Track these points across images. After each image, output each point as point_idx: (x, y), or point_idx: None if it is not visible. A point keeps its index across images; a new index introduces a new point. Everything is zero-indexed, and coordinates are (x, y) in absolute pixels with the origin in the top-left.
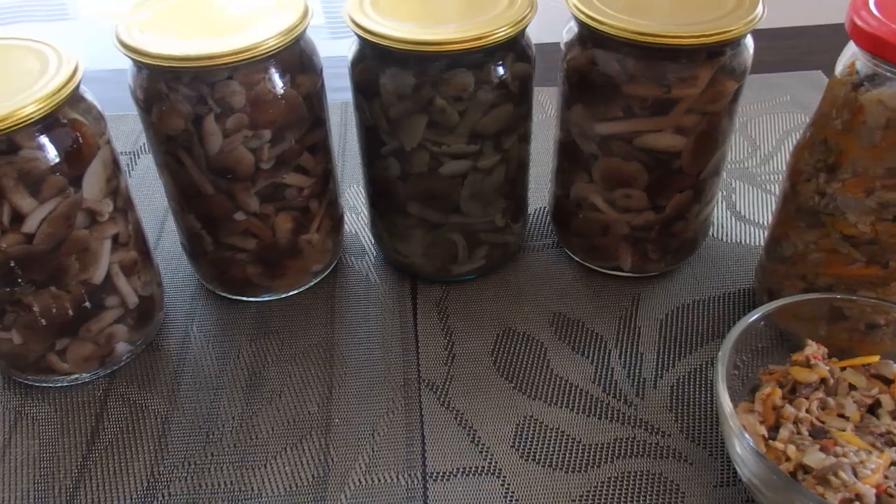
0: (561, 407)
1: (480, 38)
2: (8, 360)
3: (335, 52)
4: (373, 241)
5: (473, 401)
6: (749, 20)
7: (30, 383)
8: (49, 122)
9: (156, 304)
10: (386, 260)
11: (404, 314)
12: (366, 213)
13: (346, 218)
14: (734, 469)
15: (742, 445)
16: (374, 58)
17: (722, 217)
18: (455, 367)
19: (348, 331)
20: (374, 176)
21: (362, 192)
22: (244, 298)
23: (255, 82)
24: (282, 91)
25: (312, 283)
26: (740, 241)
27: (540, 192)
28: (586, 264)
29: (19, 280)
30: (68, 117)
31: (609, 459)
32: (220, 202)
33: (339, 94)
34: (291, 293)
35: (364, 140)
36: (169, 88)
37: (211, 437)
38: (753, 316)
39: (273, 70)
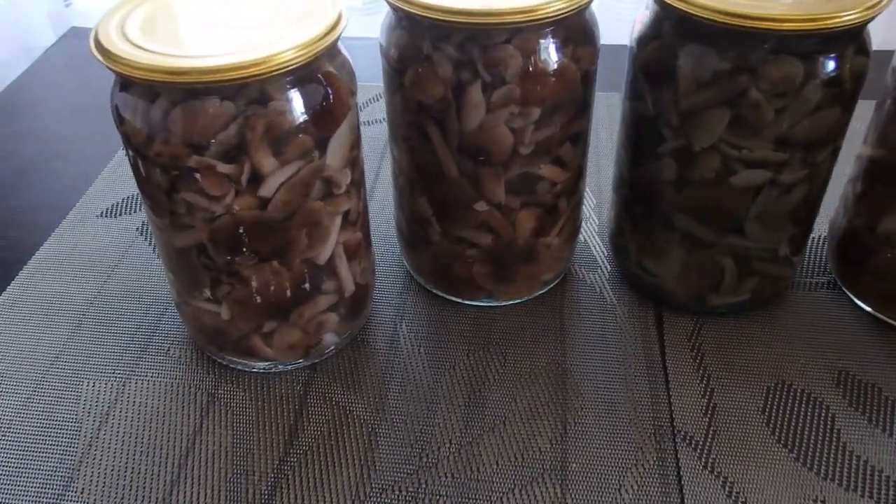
0: (863, 496)
1: (824, 19)
2: (208, 336)
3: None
4: (608, 252)
5: (745, 468)
6: None
7: (224, 363)
8: (304, 73)
9: (369, 295)
10: (625, 277)
11: (648, 345)
12: (596, 218)
13: None
14: None
15: None
16: (673, 34)
17: None
18: (717, 420)
19: (582, 355)
20: (637, 178)
21: (591, 195)
22: (461, 301)
23: (532, 50)
24: (558, 65)
25: (539, 294)
26: None
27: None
28: (879, 315)
29: (244, 249)
30: (323, 70)
31: None
32: (463, 188)
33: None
34: (515, 302)
35: (632, 133)
36: (434, 48)
37: (424, 460)
38: None
39: (553, 38)
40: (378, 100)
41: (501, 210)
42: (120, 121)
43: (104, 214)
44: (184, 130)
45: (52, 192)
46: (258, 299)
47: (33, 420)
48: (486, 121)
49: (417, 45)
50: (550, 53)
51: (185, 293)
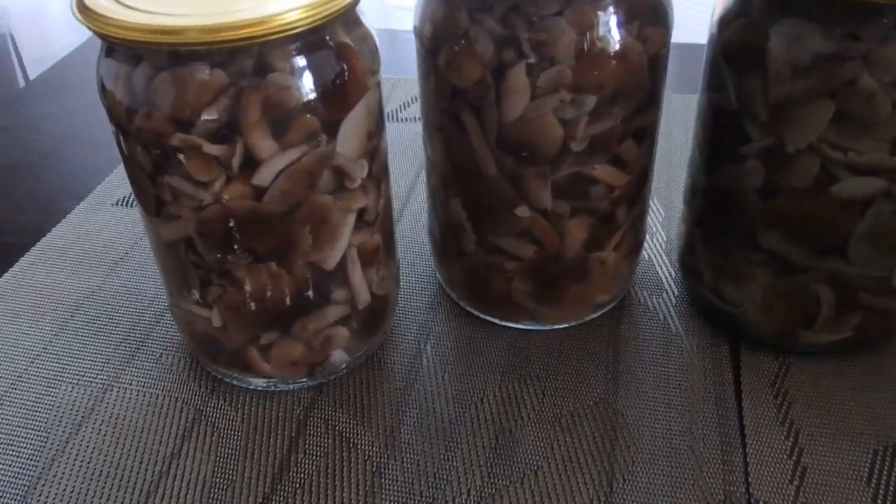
0: None
1: None
2: (200, 345)
3: None
4: (676, 274)
5: None
6: None
7: (219, 377)
8: (314, 41)
9: (388, 308)
10: (696, 304)
11: (721, 388)
12: (664, 234)
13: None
14: None
15: None
16: (763, 9)
17: None
18: (807, 490)
19: (638, 396)
20: (714, 185)
21: (659, 206)
22: (498, 322)
23: (588, 25)
24: (620, 44)
25: (591, 318)
26: None
27: None
28: None
29: (235, 246)
30: (337, 40)
31: None
32: (502, 189)
33: None
34: (561, 326)
35: (710, 131)
36: (472, 21)
37: None
38: None
39: (615, 12)
40: None
41: (547, 217)
42: (102, 90)
43: (120, 203)
44: (167, 102)
45: (73, 177)
46: (252, 306)
47: (0, 424)
48: (530, 109)
49: (454, 18)
50: (611, 30)
51: (176, 294)
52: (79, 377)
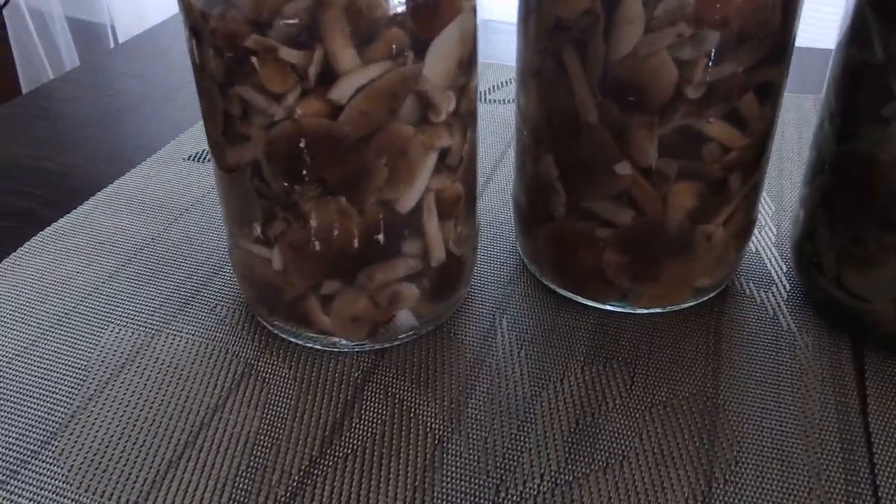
0: None
1: None
2: (258, 291)
3: None
4: (789, 268)
5: None
6: None
7: (275, 331)
8: None
9: (464, 273)
10: (812, 297)
11: (842, 392)
12: (774, 228)
13: None
14: None
15: None
16: None
17: None
18: None
19: (743, 391)
20: (847, 157)
21: (769, 200)
22: (584, 300)
23: None
24: None
25: (689, 305)
26: None
27: None
28: None
29: (304, 173)
30: None
31: None
32: (602, 140)
33: None
34: (656, 311)
35: (847, 93)
36: None
37: (503, 496)
38: None
39: None
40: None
41: (650, 177)
42: None
43: (192, 158)
44: None
45: (147, 133)
46: (317, 246)
47: (40, 359)
48: (643, 44)
49: None
50: None
51: (237, 231)
52: (128, 320)
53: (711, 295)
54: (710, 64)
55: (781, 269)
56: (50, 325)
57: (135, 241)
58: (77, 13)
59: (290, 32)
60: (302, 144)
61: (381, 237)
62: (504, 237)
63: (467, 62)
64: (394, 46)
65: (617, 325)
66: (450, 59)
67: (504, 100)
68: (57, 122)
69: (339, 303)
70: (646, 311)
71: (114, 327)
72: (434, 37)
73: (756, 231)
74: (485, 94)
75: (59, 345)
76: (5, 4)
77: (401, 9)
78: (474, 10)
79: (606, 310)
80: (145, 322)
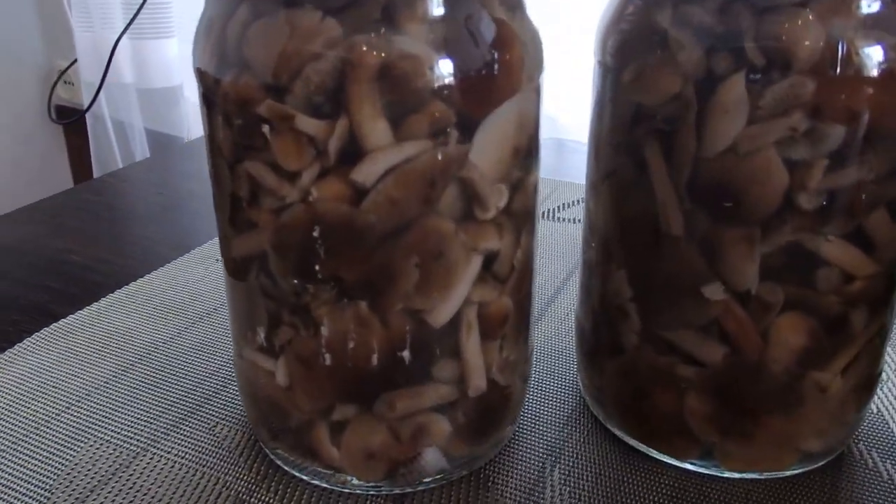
0: None
1: None
2: (261, 412)
3: None
4: None
5: None
6: None
7: (276, 461)
8: (463, 4)
9: (509, 409)
10: None
11: None
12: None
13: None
14: None
15: None
16: None
17: None
18: None
19: None
20: None
21: (892, 353)
22: (658, 455)
23: (846, 24)
24: (886, 59)
25: (793, 473)
26: None
27: None
28: None
29: (316, 269)
30: (495, 16)
31: None
32: (688, 256)
33: None
34: (749, 476)
35: None
36: (676, 18)
37: None
38: None
39: (884, 9)
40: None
41: (748, 306)
42: (196, 55)
43: None
44: (259, 56)
45: (188, 232)
46: (328, 359)
47: (5, 473)
48: (744, 139)
49: (650, 18)
50: (878, 36)
51: (240, 337)
52: (112, 434)
53: (822, 462)
54: (831, 167)
55: None
56: (23, 434)
57: (143, 345)
58: (157, 126)
59: (312, 96)
60: (316, 234)
61: (406, 355)
62: (564, 370)
63: (525, 152)
64: (435, 123)
65: (698, 491)
66: (504, 144)
67: (574, 219)
68: (98, 215)
69: (353, 433)
70: (737, 475)
71: (93, 443)
72: (486, 115)
73: (879, 387)
74: (554, 211)
75: (25, 460)
76: (88, 109)
77: (448, 80)
78: (538, 91)
79: (686, 469)
80: (131, 439)
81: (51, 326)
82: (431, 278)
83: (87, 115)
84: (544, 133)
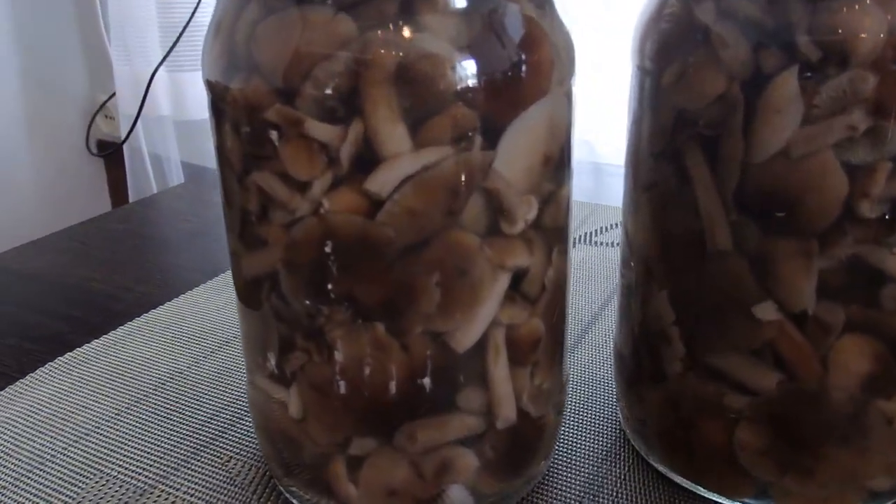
0: None
1: None
2: (274, 446)
3: None
4: None
5: None
6: None
7: (290, 498)
8: (488, 3)
9: (542, 442)
10: None
11: None
12: None
13: None
14: None
15: None
16: None
17: None
18: None
19: None
20: None
21: None
22: (707, 494)
23: None
24: None
25: None
26: None
27: None
28: None
29: (329, 288)
30: (525, 13)
31: None
32: (737, 272)
33: None
34: None
35: None
36: (720, 13)
37: None
38: None
39: None
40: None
41: (805, 327)
42: (205, 65)
43: None
44: (268, 57)
45: (213, 259)
46: (342, 386)
47: None
48: (798, 141)
49: (691, 14)
50: None
51: (252, 363)
52: (120, 470)
53: (892, 501)
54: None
55: None
56: (26, 470)
57: (159, 375)
58: (193, 158)
59: (324, 99)
60: (328, 249)
61: (427, 382)
62: (603, 400)
63: (557, 161)
64: (457, 127)
65: None
66: (532, 151)
67: (613, 242)
68: (123, 243)
69: (371, 468)
70: None
71: (98, 479)
72: (511, 120)
73: None
74: (591, 234)
75: (25, 498)
76: (124, 141)
77: (471, 81)
78: (569, 95)
79: None
80: (139, 475)
81: (65, 356)
82: (454, 298)
83: (125, 147)
84: (581, 156)
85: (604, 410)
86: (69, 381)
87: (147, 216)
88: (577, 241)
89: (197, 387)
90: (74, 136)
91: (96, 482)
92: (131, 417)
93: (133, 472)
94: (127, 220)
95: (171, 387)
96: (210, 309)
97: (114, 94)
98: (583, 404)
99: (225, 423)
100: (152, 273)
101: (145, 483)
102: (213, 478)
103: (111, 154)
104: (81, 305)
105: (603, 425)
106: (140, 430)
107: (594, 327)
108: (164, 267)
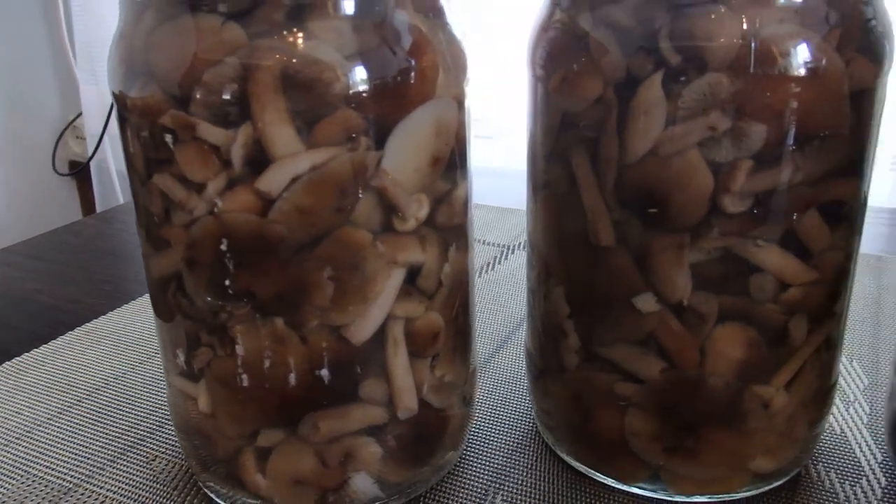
0: None
1: None
2: (191, 443)
3: None
4: (885, 457)
5: None
6: None
7: (208, 493)
8: (372, 6)
9: (447, 432)
10: None
11: None
12: (867, 406)
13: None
14: None
15: None
16: None
17: None
18: None
19: None
20: None
21: (860, 371)
22: (604, 479)
23: (762, 19)
24: (810, 55)
25: (746, 495)
26: None
27: None
28: None
29: (227, 284)
30: (410, 21)
31: None
32: (619, 267)
33: None
34: (700, 500)
35: None
36: (596, 21)
37: None
38: None
39: (801, 6)
40: None
41: (683, 317)
42: (110, 76)
43: None
44: (162, 63)
45: None
46: (244, 379)
47: None
48: (665, 140)
49: (573, 22)
50: (798, 31)
51: (166, 362)
52: (45, 471)
53: (777, 483)
54: (756, 169)
55: (875, 458)
56: None
57: (94, 381)
58: None
59: (216, 104)
60: (224, 247)
61: (325, 374)
62: (520, 397)
63: (447, 162)
64: (344, 129)
65: None
66: (419, 152)
67: None
68: (74, 256)
69: (278, 459)
70: (687, 498)
71: (24, 480)
72: (398, 121)
73: (843, 407)
74: (525, 243)
75: None
76: (90, 159)
77: (356, 84)
78: (459, 101)
79: (635, 494)
80: (65, 475)
81: (2, 365)
82: (348, 292)
83: (91, 165)
84: (521, 165)
85: (521, 406)
86: (5, 388)
87: (101, 229)
88: (516, 247)
89: (130, 391)
90: (45, 156)
91: (22, 483)
92: (63, 422)
93: (59, 472)
94: (80, 233)
95: (105, 392)
96: (148, 319)
97: (80, 114)
98: (504, 401)
99: (154, 424)
100: (99, 285)
101: (70, 482)
102: (138, 476)
103: (79, 172)
104: (28, 317)
105: (518, 420)
106: (71, 434)
107: (522, 329)
108: (114, 279)
